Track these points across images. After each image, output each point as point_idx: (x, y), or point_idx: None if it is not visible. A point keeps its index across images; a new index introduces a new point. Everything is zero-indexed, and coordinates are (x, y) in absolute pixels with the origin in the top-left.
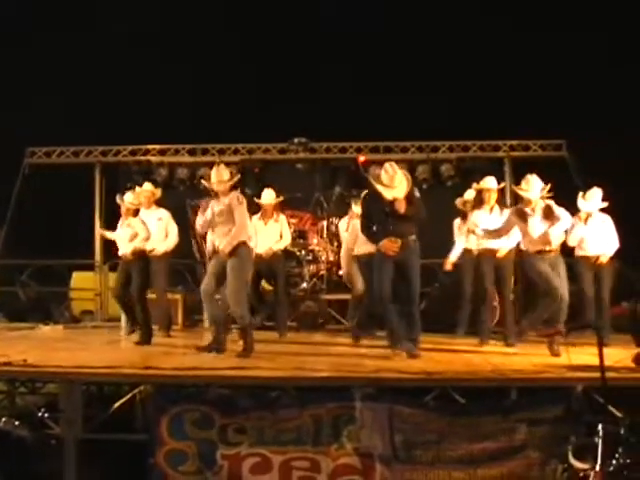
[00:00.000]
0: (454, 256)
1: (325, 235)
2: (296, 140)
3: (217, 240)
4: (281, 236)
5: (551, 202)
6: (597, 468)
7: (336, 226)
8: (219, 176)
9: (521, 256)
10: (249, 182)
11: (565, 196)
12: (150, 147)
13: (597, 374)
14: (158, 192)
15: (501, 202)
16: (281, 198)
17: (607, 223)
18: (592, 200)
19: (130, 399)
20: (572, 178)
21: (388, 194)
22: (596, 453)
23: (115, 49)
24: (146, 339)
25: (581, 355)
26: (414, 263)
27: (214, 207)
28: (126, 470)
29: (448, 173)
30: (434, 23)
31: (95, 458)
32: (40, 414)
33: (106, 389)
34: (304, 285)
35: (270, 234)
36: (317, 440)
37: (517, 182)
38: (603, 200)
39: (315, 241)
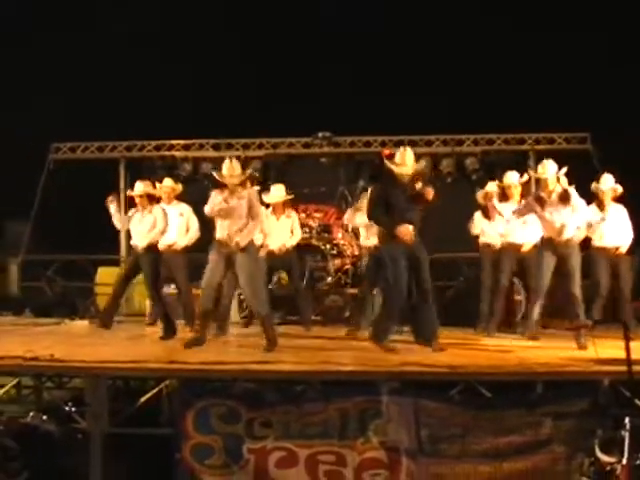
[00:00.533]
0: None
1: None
2: (320, 134)
3: (226, 232)
4: (292, 232)
5: (570, 188)
6: (624, 462)
7: None
8: (232, 170)
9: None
10: (273, 176)
11: (589, 188)
12: (174, 142)
13: (624, 367)
14: (179, 187)
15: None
16: (291, 195)
17: (622, 214)
18: (607, 184)
19: (156, 394)
20: (596, 171)
21: (401, 171)
22: (623, 447)
23: (139, 44)
24: (169, 333)
25: (608, 349)
26: (425, 254)
27: (229, 200)
28: (152, 464)
29: (473, 167)
30: (460, 16)
31: (121, 452)
32: (67, 408)
33: (132, 383)
34: (329, 279)
35: (281, 230)
36: (343, 434)
37: None
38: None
39: (340, 235)
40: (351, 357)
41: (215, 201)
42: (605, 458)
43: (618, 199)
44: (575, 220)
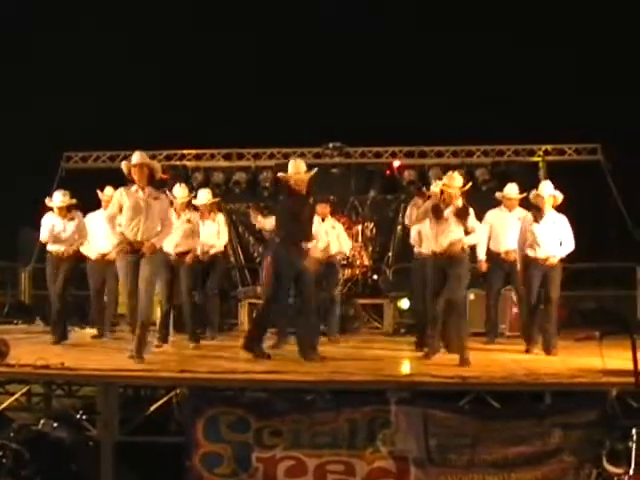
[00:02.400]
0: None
1: (360, 239)
2: (331, 145)
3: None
4: (218, 236)
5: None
6: (631, 472)
7: (371, 230)
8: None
9: None
10: (284, 186)
11: (600, 199)
12: (186, 152)
13: (631, 379)
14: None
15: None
16: (217, 199)
17: (561, 223)
18: (546, 191)
19: (166, 402)
20: (607, 181)
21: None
22: (630, 457)
23: (149, 56)
24: (198, 337)
25: (615, 359)
26: None
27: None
28: (162, 472)
29: (483, 177)
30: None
31: (131, 460)
32: (78, 416)
33: (142, 392)
34: (339, 289)
35: (208, 234)
36: (352, 443)
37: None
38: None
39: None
40: (362, 367)
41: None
42: (612, 469)
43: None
44: (468, 239)
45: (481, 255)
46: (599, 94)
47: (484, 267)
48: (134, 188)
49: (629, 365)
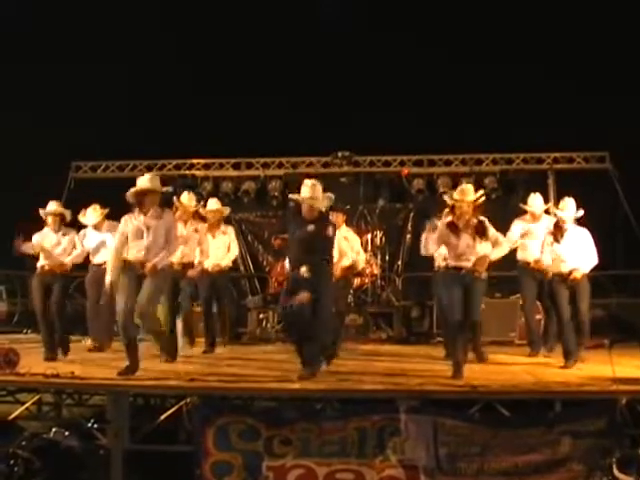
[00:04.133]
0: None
1: (369, 248)
2: (340, 154)
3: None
4: (228, 249)
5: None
6: None
7: (380, 239)
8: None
9: None
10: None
11: (608, 207)
12: (195, 161)
13: None
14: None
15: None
16: (227, 210)
17: (583, 237)
18: (567, 210)
19: (176, 411)
20: (615, 189)
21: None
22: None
23: (159, 63)
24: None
25: (625, 367)
26: None
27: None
28: None
29: (492, 186)
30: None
31: (141, 469)
32: (90, 425)
33: (152, 401)
34: (349, 298)
35: (216, 248)
36: (361, 452)
37: (561, 194)
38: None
39: None
40: (371, 376)
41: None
42: (622, 477)
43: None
44: (495, 253)
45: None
46: (607, 102)
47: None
48: (136, 212)
49: (638, 373)
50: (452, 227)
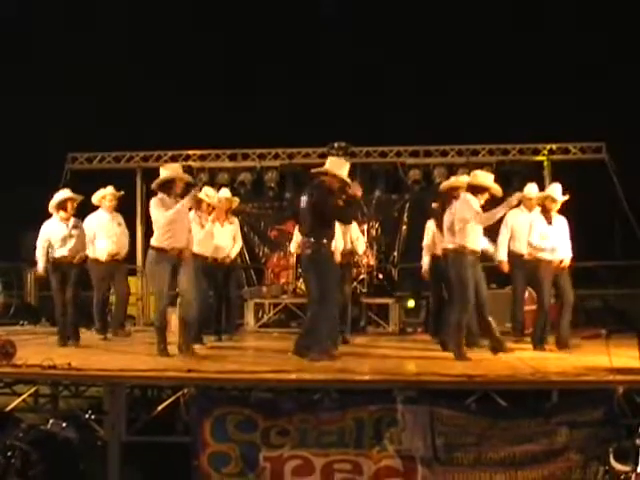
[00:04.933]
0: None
1: (365, 239)
2: (336, 144)
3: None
4: (234, 240)
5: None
6: (638, 470)
7: (376, 230)
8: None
9: None
10: (289, 186)
11: (604, 198)
12: (191, 152)
13: (638, 376)
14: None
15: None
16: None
17: (565, 225)
18: (558, 193)
19: (173, 402)
20: (611, 180)
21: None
22: (637, 455)
23: (155, 54)
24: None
25: (622, 358)
26: None
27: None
28: (169, 472)
29: None
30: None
31: (139, 460)
32: (87, 416)
33: (149, 393)
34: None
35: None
36: (359, 442)
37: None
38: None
39: None
40: (368, 366)
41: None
42: (619, 467)
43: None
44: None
45: (502, 256)
46: (603, 91)
47: (506, 268)
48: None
49: (636, 363)
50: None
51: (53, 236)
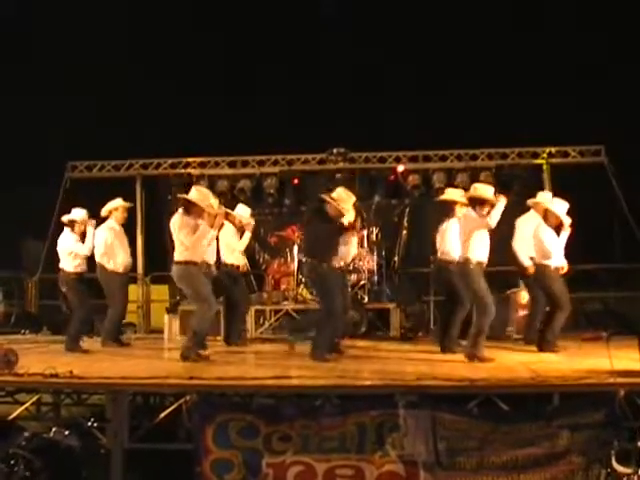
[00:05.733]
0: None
1: (365, 245)
2: (335, 150)
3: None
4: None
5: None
6: None
7: (376, 235)
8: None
9: None
10: (288, 193)
11: (604, 201)
12: (190, 160)
13: (639, 379)
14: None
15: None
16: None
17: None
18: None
19: (175, 409)
20: (611, 183)
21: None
22: (639, 457)
23: (154, 59)
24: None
25: (623, 360)
26: None
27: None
28: (172, 479)
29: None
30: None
31: (141, 467)
32: (89, 424)
33: (151, 400)
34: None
35: None
36: (361, 448)
37: (556, 188)
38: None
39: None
40: (369, 371)
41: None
42: (621, 469)
43: None
44: None
45: (527, 261)
46: (602, 94)
47: (532, 270)
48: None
49: (637, 365)
50: None
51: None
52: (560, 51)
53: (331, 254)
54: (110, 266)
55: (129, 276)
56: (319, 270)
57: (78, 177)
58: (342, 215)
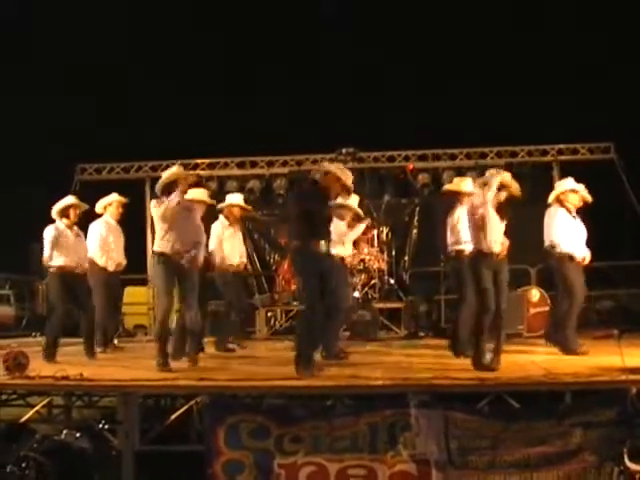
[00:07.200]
0: None
1: (376, 244)
2: (344, 150)
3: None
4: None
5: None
6: None
7: (386, 235)
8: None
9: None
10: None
11: (614, 198)
12: (199, 161)
13: None
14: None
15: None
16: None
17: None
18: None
19: (186, 411)
20: (621, 180)
21: None
22: None
23: (162, 62)
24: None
25: (634, 357)
26: None
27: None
28: None
29: None
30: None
31: (153, 469)
32: (100, 426)
33: (162, 402)
34: (356, 294)
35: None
36: (373, 447)
37: None
38: None
39: (366, 250)
40: (381, 371)
41: None
42: (634, 467)
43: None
44: None
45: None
46: (611, 91)
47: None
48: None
49: None
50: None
51: (56, 242)
52: (562, 49)
53: (320, 237)
54: (101, 262)
55: (118, 277)
56: (300, 256)
57: (88, 179)
58: (341, 185)
